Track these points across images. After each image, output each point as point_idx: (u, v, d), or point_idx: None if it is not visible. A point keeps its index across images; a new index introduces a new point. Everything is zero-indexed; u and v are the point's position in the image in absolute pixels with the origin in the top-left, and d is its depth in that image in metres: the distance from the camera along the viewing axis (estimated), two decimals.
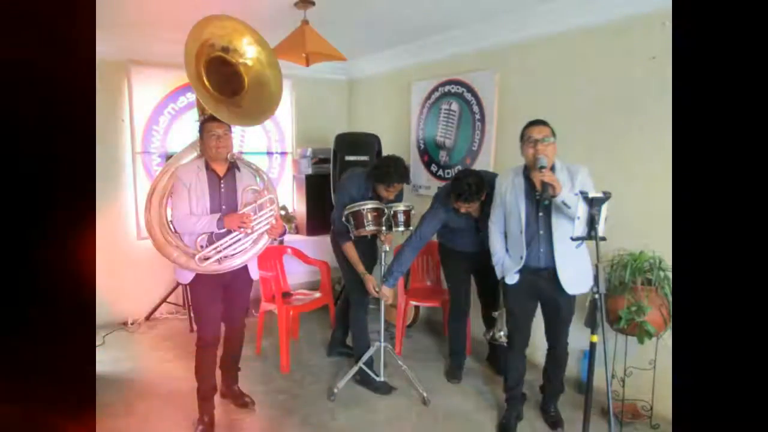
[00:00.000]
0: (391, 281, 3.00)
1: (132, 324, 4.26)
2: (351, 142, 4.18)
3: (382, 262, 3.09)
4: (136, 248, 4.28)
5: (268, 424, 2.83)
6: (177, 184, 2.56)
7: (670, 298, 2.49)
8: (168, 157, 4.21)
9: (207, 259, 2.50)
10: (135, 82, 4.15)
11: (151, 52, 4.14)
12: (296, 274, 4.36)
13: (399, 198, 3.29)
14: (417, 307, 4.17)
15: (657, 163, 2.72)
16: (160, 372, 3.46)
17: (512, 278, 2.53)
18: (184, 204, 2.53)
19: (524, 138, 2.41)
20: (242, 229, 2.52)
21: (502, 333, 2.73)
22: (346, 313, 3.49)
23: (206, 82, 2.48)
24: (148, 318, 4.38)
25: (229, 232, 2.53)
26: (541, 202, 2.32)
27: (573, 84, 3.14)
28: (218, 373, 2.84)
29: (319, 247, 4.50)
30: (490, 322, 3.25)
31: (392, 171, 2.95)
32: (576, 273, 2.41)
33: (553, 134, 2.38)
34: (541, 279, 2.48)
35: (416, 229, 3.01)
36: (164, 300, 4.40)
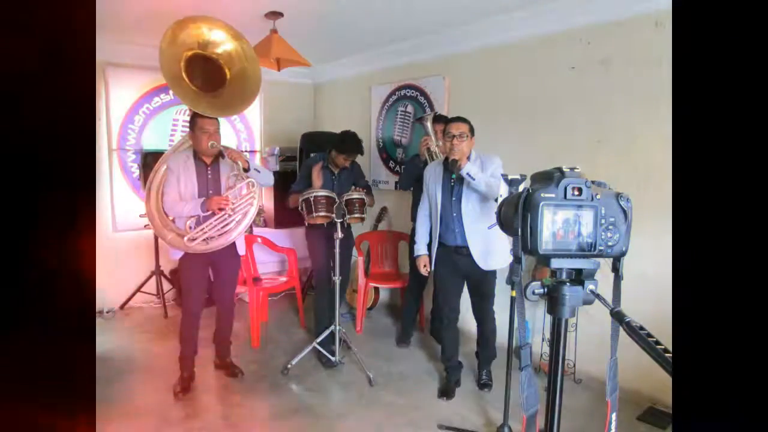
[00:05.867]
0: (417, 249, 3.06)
1: (107, 312, 4.47)
2: (316, 141, 4.55)
3: (336, 249, 3.22)
4: (113, 240, 4.51)
5: (242, 386, 3.15)
6: (168, 173, 2.85)
7: None
8: (144, 154, 4.49)
9: (194, 239, 2.79)
10: (111, 83, 4.41)
11: (126, 55, 4.40)
12: (265, 263, 4.68)
13: (359, 176, 3.64)
14: (377, 291, 4.55)
15: (578, 162, 3.19)
16: (139, 350, 3.73)
17: (421, 249, 3.00)
18: (173, 190, 2.82)
19: (445, 132, 2.79)
20: (223, 211, 2.79)
21: None
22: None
23: (186, 80, 2.72)
24: (122, 307, 4.61)
25: (213, 214, 2.80)
26: (452, 173, 2.80)
27: (509, 89, 3.59)
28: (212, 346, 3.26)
29: (287, 238, 4.83)
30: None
31: (348, 141, 3.38)
32: (489, 250, 2.80)
33: (471, 131, 2.77)
34: (461, 256, 2.87)
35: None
36: (139, 289, 4.63)
